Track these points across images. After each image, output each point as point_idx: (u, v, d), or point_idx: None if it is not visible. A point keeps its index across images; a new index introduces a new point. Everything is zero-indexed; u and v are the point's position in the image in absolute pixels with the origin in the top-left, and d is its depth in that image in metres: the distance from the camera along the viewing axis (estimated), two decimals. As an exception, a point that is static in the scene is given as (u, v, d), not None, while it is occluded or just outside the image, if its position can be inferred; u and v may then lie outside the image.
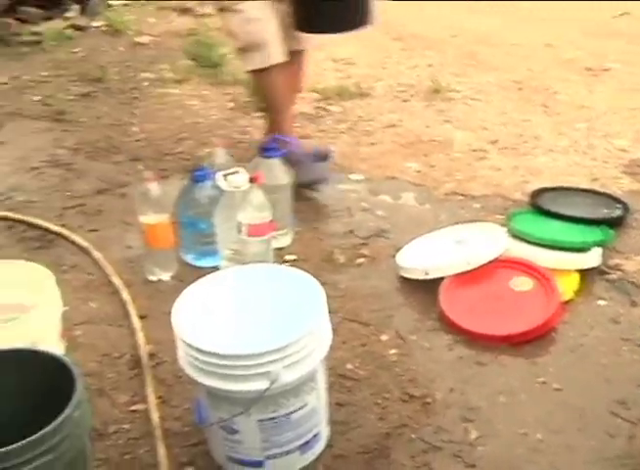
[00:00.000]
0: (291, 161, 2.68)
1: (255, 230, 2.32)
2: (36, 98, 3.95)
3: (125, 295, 2.40)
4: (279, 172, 2.58)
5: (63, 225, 2.82)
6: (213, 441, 1.82)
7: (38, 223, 2.82)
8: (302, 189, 2.88)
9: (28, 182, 3.15)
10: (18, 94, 4.01)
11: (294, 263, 2.54)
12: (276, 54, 2.75)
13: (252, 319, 1.76)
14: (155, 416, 1.95)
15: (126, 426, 1.95)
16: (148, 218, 2.43)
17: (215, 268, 2.51)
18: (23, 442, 1.44)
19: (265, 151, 2.56)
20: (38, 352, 1.69)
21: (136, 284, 2.48)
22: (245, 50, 2.78)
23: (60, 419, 1.49)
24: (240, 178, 2.37)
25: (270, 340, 1.67)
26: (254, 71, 2.83)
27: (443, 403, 1.98)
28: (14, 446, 1.43)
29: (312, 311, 1.73)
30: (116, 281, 2.47)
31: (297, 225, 2.72)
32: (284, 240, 2.64)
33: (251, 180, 2.30)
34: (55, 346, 1.88)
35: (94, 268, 2.57)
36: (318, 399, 1.77)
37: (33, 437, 1.45)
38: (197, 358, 1.67)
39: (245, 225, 2.32)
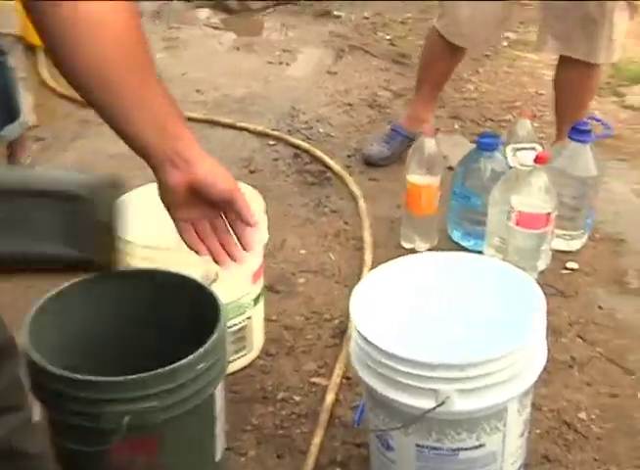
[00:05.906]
0: None
1: (526, 220, 1.91)
2: (387, 37, 3.76)
3: (368, 255, 2.13)
4: (585, 161, 2.10)
5: (347, 167, 2.61)
6: (371, 449, 1.49)
7: (322, 158, 2.63)
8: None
9: (336, 117, 2.97)
10: (371, 30, 3.84)
11: (572, 273, 2.09)
12: None
13: (442, 321, 1.38)
14: (329, 398, 1.67)
15: (297, 398, 1.70)
16: (415, 178, 2.11)
17: (480, 253, 2.14)
18: (119, 379, 1.24)
19: (575, 132, 2.09)
20: (204, 288, 1.48)
21: (386, 247, 2.19)
22: None
23: (170, 367, 1.26)
24: (530, 155, 1.96)
25: (453, 351, 1.30)
26: None
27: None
28: (111, 379, 1.23)
29: (520, 331, 1.31)
30: (367, 238, 2.20)
31: (595, 230, 2.23)
32: (573, 243, 2.17)
33: (535, 160, 1.87)
34: (242, 283, 1.66)
35: (353, 219, 2.32)
36: (504, 444, 1.36)
37: (133, 377, 1.24)
38: (361, 347, 1.35)
39: (515, 211, 1.91)
